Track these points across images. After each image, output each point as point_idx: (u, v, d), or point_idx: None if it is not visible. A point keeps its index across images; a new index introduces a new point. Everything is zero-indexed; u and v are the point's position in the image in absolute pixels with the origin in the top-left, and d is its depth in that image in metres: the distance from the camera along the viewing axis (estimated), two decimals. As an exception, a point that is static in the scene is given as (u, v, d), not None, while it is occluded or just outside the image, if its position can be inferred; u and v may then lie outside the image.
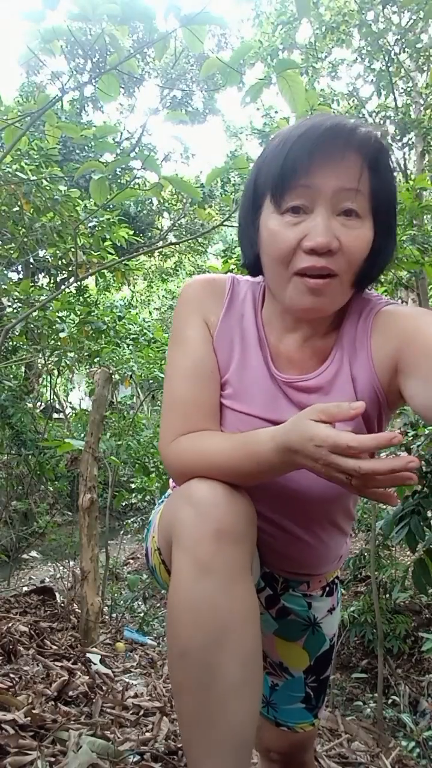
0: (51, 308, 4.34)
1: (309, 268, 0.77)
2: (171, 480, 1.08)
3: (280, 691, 1.08)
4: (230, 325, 0.91)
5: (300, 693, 1.07)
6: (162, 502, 1.05)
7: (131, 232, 4.17)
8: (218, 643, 0.70)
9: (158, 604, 5.15)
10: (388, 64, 6.62)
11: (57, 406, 7.76)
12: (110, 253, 4.09)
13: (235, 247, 5.19)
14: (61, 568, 4.60)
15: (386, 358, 0.81)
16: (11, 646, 2.10)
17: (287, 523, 0.92)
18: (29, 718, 1.44)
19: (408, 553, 4.48)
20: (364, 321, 0.86)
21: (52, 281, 8.07)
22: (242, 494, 0.78)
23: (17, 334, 4.43)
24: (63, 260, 4.79)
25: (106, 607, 3.90)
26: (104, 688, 2.01)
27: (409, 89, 7.53)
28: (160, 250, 10.67)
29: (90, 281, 6.63)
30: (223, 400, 0.89)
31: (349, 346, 0.86)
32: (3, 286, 4.02)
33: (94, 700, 1.79)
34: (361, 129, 0.78)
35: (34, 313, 4.06)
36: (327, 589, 1.06)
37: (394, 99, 6.96)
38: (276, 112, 9.10)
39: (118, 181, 7.46)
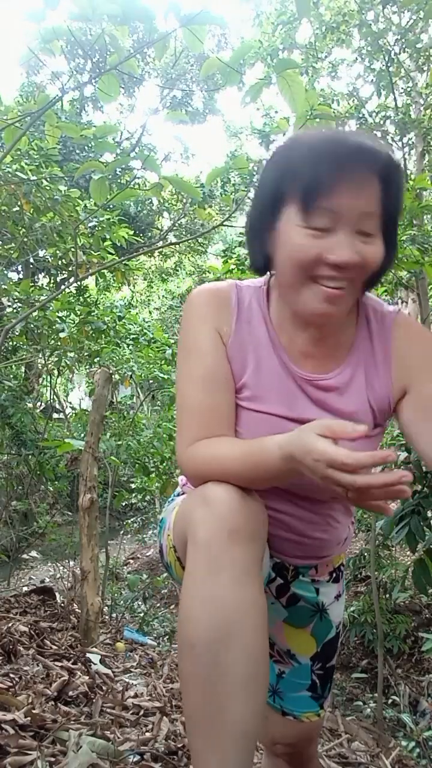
0: (51, 308, 4.34)
1: (329, 278, 0.82)
2: (180, 479, 1.13)
3: (287, 679, 1.11)
4: (242, 332, 0.94)
5: (306, 680, 1.10)
6: (172, 500, 1.09)
7: (131, 232, 4.16)
8: (227, 637, 0.72)
9: (158, 604, 5.15)
10: (388, 64, 6.61)
11: (57, 406, 7.75)
12: (110, 253, 4.09)
13: (235, 247, 5.17)
14: (61, 568, 4.60)
15: (402, 377, 0.91)
16: (11, 646, 2.10)
17: (302, 503, 0.96)
18: (29, 718, 1.44)
19: (408, 553, 4.48)
20: (379, 332, 0.94)
21: (52, 281, 8.07)
22: (254, 497, 0.82)
23: (17, 334, 4.43)
24: (63, 260, 4.79)
25: (106, 607, 3.90)
26: (104, 688, 2.02)
27: (409, 89, 7.52)
28: (160, 250, 10.67)
29: (90, 281, 6.62)
30: (243, 403, 0.92)
31: (366, 353, 0.93)
32: (3, 286, 4.02)
33: (94, 700, 1.79)
34: (381, 151, 0.82)
35: (34, 313, 4.06)
36: (334, 575, 1.10)
37: (394, 99, 6.94)
38: (276, 112, 9.08)
39: (118, 181, 7.46)
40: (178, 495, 1.09)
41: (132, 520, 7.02)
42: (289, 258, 0.84)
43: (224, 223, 3.19)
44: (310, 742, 1.17)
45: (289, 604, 1.08)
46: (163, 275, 13.11)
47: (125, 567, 6.51)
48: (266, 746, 1.20)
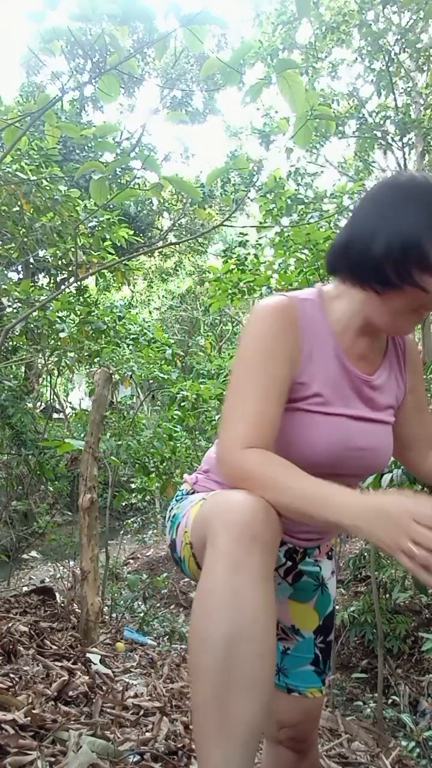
0: (51, 308, 4.34)
1: (427, 310, 1.01)
2: (187, 477, 1.18)
3: (292, 655, 1.19)
4: (310, 345, 1.02)
5: (310, 654, 1.19)
6: (181, 498, 1.14)
7: (131, 232, 4.17)
8: (240, 634, 0.76)
9: (158, 604, 5.15)
10: (388, 64, 6.62)
11: (57, 406, 7.76)
12: (110, 253, 4.09)
13: (235, 247, 5.16)
14: (61, 568, 4.60)
15: (411, 379, 1.15)
16: (11, 646, 2.10)
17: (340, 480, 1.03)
18: (29, 718, 1.44)
19: (408, 553, 4.46)
20: (400, 341, 1.14)
21: (52, 281, 8.08)
22: (274, 511, 0.87)
23: (17, 334, 4.43)
24: (63, 260, 4.80)
25: (106, 607, 3.90)
26: (104, 688, 2.02)
27: (409, 89, 7.53)
28: (160, 250, 10.67)
29: (90, 281, 6.62)
30: (315, 408, 1.01)
31: (394, 357, 1.13)
32: (3, 286, 4.03)
33: (94, 700, 1.79)
34: None
35: (34, 313, 4.06)
36: (329, 554, 1.26)
37: (394, 99, 6.95)
38: (276, 112, 9.09)
39: (118, 181, 7.46)
40: (188, 493, 1.13)
41: (132, 520, 7.03)
42: (416, 303, 0.97)
43: (224, 223, 3.19)
44: (313, 724, 1.22)
45: (294, 581, 1.18)
46: (163, 275, 13.11)
47: (125, 567, 6.52)
48: (270, 736, 1.24)
